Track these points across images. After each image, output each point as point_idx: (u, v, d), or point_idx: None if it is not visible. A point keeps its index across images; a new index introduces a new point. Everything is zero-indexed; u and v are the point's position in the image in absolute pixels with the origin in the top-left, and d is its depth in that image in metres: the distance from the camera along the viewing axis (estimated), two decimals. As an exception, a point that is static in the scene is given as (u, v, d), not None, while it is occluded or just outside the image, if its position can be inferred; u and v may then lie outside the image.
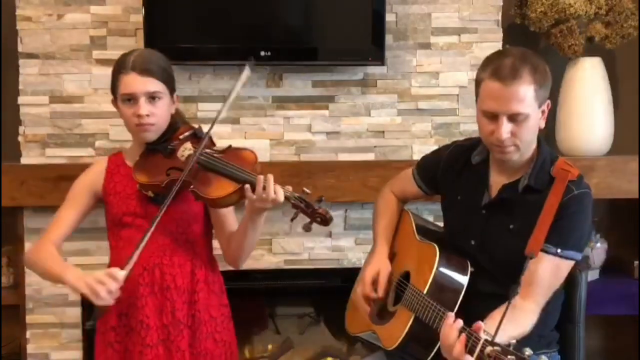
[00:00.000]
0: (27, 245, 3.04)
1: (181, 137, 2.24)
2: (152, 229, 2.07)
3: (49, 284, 3.04)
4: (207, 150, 2.17)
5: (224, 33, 3.02)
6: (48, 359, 3.09)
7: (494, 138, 2.02)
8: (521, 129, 2.01)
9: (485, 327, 1.79)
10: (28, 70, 3.03)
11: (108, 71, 3.00)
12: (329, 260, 3.14)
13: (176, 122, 2.29)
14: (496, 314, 1.88)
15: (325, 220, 2.08)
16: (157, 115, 2.19)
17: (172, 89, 2.25)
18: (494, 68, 2.00)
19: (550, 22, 3.13)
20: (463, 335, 1.80)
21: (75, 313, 3.08)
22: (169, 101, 2.24)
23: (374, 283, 2.26)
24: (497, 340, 1.74)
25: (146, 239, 2.06)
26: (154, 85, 2.18)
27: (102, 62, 3.04)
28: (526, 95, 1.98)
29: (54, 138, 3.05)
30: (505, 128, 2.00)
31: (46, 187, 2.97)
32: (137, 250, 2.05)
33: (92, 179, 2.31)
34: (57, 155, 3.05)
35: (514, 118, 2.00)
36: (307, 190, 2.09)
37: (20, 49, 3.03)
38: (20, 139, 3.05)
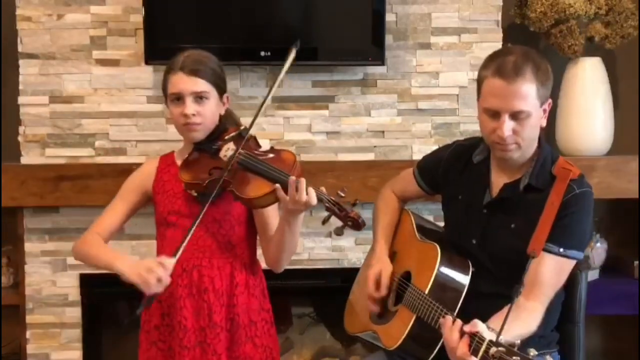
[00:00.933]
0: (27, 246, 3.05)
1: (226, 137, 2.25)
2: (198, 221, 2.08)
3: (49, 284, 3.06)
4: (246, 151, 2.17)
5: (224, 33, 3.03)
6: (48, 359, 3.09)
7: (496, 136, 2.02)
8: (523, 127, 2.01)
9: (492, 326, 1.79)
10: (28, 70, 3.03)
11: (108, 71, 3.05)
12: (329, 260, 3.14)
13: (225, 123, 2.30)
14: (500, 315, 1.87)
15: (357, 225, 2.05)
16: (203, 115, 2.20)
17: (221, 90, 2.25)
18: (496, 66, 2.00)
19: (550, 22, 3.13)
20: (466, 336, 1.80)
21: (75, 313, 3.08)
22: (217, 102, 2.24)
23: (377, 283, 2.26)
24: (504, 340, 1.74)
25: (193, 228, 2.07)
26: (201, 85, 2.20)
27: (102, 62, 3.05)
28: (528, 94, 1.98)
29: (54, 138, 3.05)
30: (507, 126, 2.00)
31: (46, 187, 2.97)
32: (185, 239, 2.06)
33: (143, 177, 2.33)
34: (57, 155, 3.05)
35: (516, 116, 2.00)
36: (342, 194, 2.07)
37: (20, 49, 3.03)
38: (20, 139, 3.05)
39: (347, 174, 3.02)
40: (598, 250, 3.29)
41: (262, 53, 2.99)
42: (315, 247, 3.13)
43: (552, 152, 2.13)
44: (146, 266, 2.03)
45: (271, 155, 2.19)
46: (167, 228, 2.23)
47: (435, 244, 2.16)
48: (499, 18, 3.14)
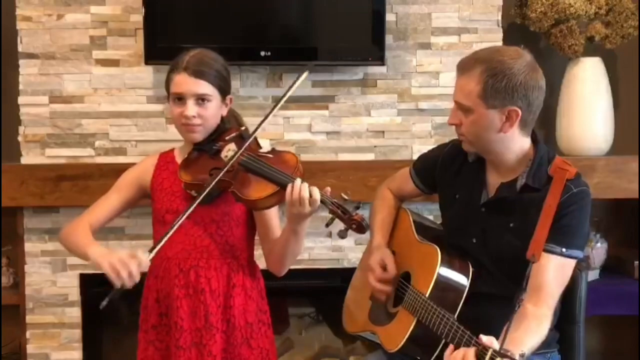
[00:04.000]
0: (27, 246, 3.05)
1: (227, 138, 2.24)
2: (184, 217, 2.06)
3: (49, 284, 3.06)
4: (249, 152, 2.16)
5: (223, 33, 3.03)
6: (48, 359, 3.09)
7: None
8: (467, 121, 2.06)
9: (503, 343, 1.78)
10: (28, 70, 3.03)
11: (108, 71, 3.05)
12: (329, 260, 3.14)
13: (226, 123, 2.29)
14: (512, 330, 1.83)
15: (361, 228, 2.03)
16: (204, 117, 2.19)
17: (224, 92, 2.24)
18: (460, 60, 2.10)
19: (550, 22, 3.14)
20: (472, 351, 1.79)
21: (75, 313, 3.08)
22: (219, 104, 2.23)
23: (382, 266, 2.24)
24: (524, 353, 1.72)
25: (176, 226, 2.06)
26: (204, 87, 2.18)
27: (102, 62, 3.05)
28: (471, 91, 2.02)
29: (54, 138, 3.05)
30: (453, 113, 2.10)
31: (46, 187, 2.97)
32: (164, 237, 2.05)
33: (141, 172, 2.32)
34: (57, 155, 3.05)
35: (460, 108, 2.06)
36: (345, 196, 2.05)
37: (20, 49, 3.03)
38: (20, 139, 3.05)
39: (347, 174, 3.02)
40: (598, 250, 3.29)
41: (262, 53, 2.99)
42: (315, 247, 3.13)
43: (549, 152, 2.12)
44: (120, 258, 1.99)
45: (273, 156, 2.17)
46: (164, 226, 2.21)
47: (435, 246, 2.15)
48: (499, 18, 3.14)
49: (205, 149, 2.23)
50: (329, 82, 3.12)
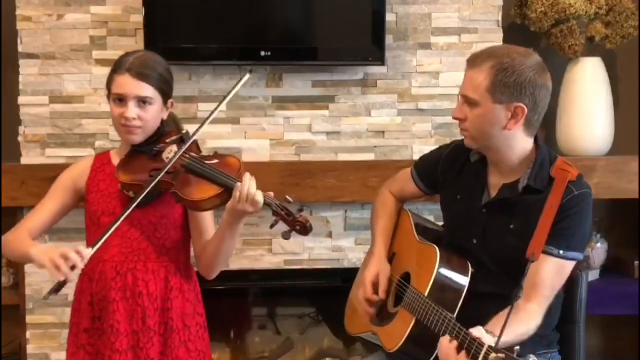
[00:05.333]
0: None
1: (168, 140, 2.23)
2: (124, 216, 2.06)
3: (49, 284, 3.03)
4: (191, 154, 2.17)
5: (224, 33, 3.03)
6: (48, 359, 3.09)
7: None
8: (473, 115, 2.06)
9: (490, 329, 1.80)
10: (28, 70, 3.03)
11: (108, 71, 3.03)
12: (329, 260, 3.14)
13: (166, 126, 2.28)
14: (499, 318, 1.87)
15: (305, 229, 2.05)
16: (144, 119, 2.18)
17: (166, 95, 2.23)
18: (471, 54, 2.11)
19: (550, 22, 3.14)
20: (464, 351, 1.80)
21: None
22: (160, 107, 2.22)
23: (374, 285, 2.26)
24: (503, 340, 1.73)
25: (118, 222, 2.05)
26: (146, 90, 2.17)
27: (102, 62, 3.04)
28: (480, 84, 2.03)
29: (54, 138, 3.05)
30: (458, 107, 2.11)
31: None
32: (106, 232, 2.04)
33: (75, 175, 2.30)
34: (57, 155, 3.05)
35: (467, 101, 2.07)
36: (290, 198, 2.07)
37: (20, 49, 3.03)
38: (20, 139, 3.05)
39: (347, 174, 3.02)
40: (598, 250, 3.29)
41: (262, 53, 2.99)
42: (315, 247, 3.13)
43: (551, 153, 2.13)
44: (61, 252, 1.98)
45: (216, 160, 2.18)
46: (99, 228, 2.18)
47: (434, 246, 2.15)
48: (499, 18, 3.14)
49: (144, 150, 2.22)
50: (329, 82, 3.12)
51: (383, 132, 3.14)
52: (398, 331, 2.12)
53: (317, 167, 3.01)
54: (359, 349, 3.35)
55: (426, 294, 2.07)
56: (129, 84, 2.16)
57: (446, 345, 1.85)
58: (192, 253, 2.32)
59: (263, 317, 3.49)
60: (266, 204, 2.06)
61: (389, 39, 3.08)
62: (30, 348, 3.08)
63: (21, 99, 3.04)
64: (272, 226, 2.09)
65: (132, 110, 2.16)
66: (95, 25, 3.04)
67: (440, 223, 2.39)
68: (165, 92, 2.23)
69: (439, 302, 2.02)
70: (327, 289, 3.20)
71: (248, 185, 2.04)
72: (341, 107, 3.13)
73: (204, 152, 2.26)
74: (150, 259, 2.20)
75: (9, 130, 3.12)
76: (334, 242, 3.12)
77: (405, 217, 2.40)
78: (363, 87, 3.13)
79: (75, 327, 2.24)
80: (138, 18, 2.99)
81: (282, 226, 2.07)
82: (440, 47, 3.13)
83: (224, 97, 2.25)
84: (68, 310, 3.03)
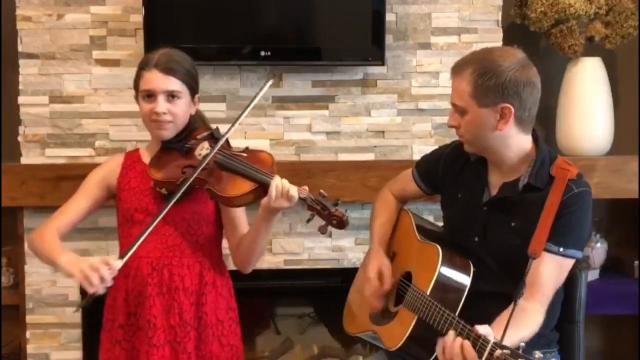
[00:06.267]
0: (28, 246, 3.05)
1: (199, 136, 2.25)
2: (157, 221, 2.07)
3: (49, 284, 3.06)
4: (225, 151, 2.18)
5: (224, 33, 3.03)
6: (48, 359, 3.09)
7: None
8: (464, 122, 2.10)
9: (494, 332, 1.80)
10: (28, 70, 3.03)
11: (108, 71, 3.05)
12: (329, 260, 3.14)
13: (194, 123, 2.30)
14: (503, 318, 1.88)
15: (342, 223, 2.07)
16: (174, 114, 2.21)
17: (193, 90, 2.26)
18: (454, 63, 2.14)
19: (550, 22, 3.14)
20: (468, 343, 1.80)
21: (75, 313, 3.08)
22: (189, 102, 2.25)
23: (380, 278, 2.26)
24: (507, 344, 1.74)
25: (148, 231, 2.06)
26: (174, 84, 2.20)
27: (102, 62, 3.05)
28: (463, 91, 2.06)
29: (54, 138, 3.05)
30: (451, 116, 2.13)
31: (46, 187, 2.97)
32: (137, 242, 2.05)
33: (106, 173, 2.32)
34: (57, 155, 3.05)
35: (456, 109, 2.10)
36: (324, 193, 2.09)
37: (20, 49, 3.02)
38: (20, 139, 3.05)
39: (347, 174, 3.02)
40: (598, 250, 3.29)
41: (262, 53, 2.99)
42: (315, 247, 3.13)
43: (550, 152, 2.14)
44: (90, 264, 1.99)
45: (248, 155, 2.19)
46: (133, 225, 2.22)
47: (436, 245, 2.16)
48: (499, 18, 3.14)
49: (175, 147, 2.24)
50: (329, 82, 3.12)
51: (383, 132, 3.14)
52: (399, 330, 2.12)
53: (317, 167, 3.01)
54: (359, 349, 3.35)
55: (428, 292, 2.07)
56: (157, 79, 2.19)
57: (451, 342, 1.85)
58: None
59: (263, 317, 3.49)
60: (301, 198, 2.07)
61: (389, 39, 3.08)
62: (30, 348, 3.08)
63: (21, 99, 3.04)
64: (308, 221, 2.11)
65: (162, 105, 2.19)
66: (95, 25, 3.04)
67: (440, 224, 2.40)
68: (193, 87, 2.26)
69: (440, 301, 2.02)
70: (327, 289, 3.20)
71: (282, 180, 2.06)
72: (341, 107, 3.13)
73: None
74: (185, 254, 2.22)
75: (9, 130, 3.12)
76: (334, 242, 3.12)
77: (406, 217, 2.40)
78: (363, 87, 3.13)
79: (109, 323, 2.25)
80: (138, 18, 2.99)
81: (318, 221, 2.09)
82: (440, 47, 3.13)
83: (252, 100, 2.26)
84: (68, 310, 3.07)
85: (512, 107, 2.04)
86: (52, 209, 3.00)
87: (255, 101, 2.25)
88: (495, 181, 2.16)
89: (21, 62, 3.03)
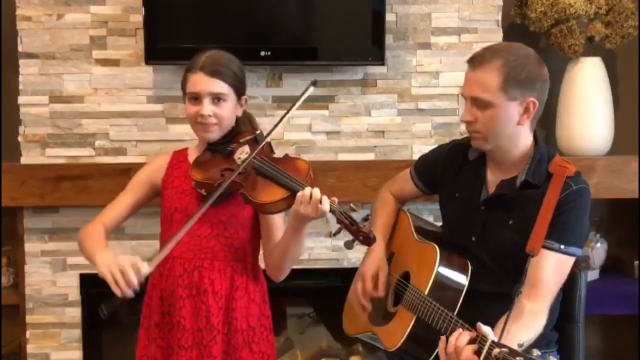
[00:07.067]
0: (27, 246, 3.05)
1: (241, 140, 2.25)
2: (191, 224, 2.07)
3: (49, 284, 3.06)
4: (262, 156, 2.18)
5: (224, 33, 3.03)
6: (48, 359, 3.09)
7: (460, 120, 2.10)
8: (485, 117, 2.05)
9: (497, 331, 1.79)
10: (28, 70, 3.03)
11: (108, 71, 3.05)
12: (329, 260, 3.15)
13: (241, 125, 2.30)
14: (504, 318, 1.87)
15: (368, 240, 2.03)
16: (219, 116, 2.20)
17: (239, 92, 2.25)
18: (472, 55, 2.09)
19: (550, 22, 3.13)
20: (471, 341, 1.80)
21: (75, 313, 3.08)
22: (235, 104, 2.24)
23: (374, 280, 2.26)
24: (512, 346, 1.74)
25: (180, 234, 2.06)
26: (220, 86, 2.19)
27: (102, 62, 3.05)
28: (490, 84, 2.02)
29: (54, 138, 3.06)
30: (468, 110, 2.07)
31: (46, 187, 2.97)
32: (167, 245, 2.05)
33: (153, 170, 2.33)
34: (57, 155, 3.05)
35: (476, 103, 2.05)
36: (354, 207, 2.06)
37: (20, 49, 3.03)
38: (20, 139, 3.05)
39: (347, 174, 3.02)
40: (598, 250, 3.29)
41: (262, 53, 2.99)
42: (315, 247, 3.13)
43: (548, 150, 2.14)
44: (120, 265, 1.99)
45: (286, 162, 2.19)
46: (172, 225, 2.22)
47: (434, 244, 2.16)
48: (499, 18, 3.14)
49: (218, 149, 2.24)
50: (329, 82, 3.12)
51: (383, 132, 3.14)
52: (398, 330, 2.12)
53: (317, 167, 2.99)
54: (359, 349, 3.35)
55: (426, 292, 2.07)
56: (203, 82, 2.19)
57: (454, 340, 1.85)
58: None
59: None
60: (331, 211, 2.05)
61: (389, 39, 3.08)
62: (30, 348, 3.08)
63: (21, 99, 3.04)
64: (335, 234, 2.12)
65: (207, 107, 2.18)
66: (95, 25, 3.04)
67: (439, 224, 2.40)
68: (239, 89, 2.25)
69: (439, 301, 2.02)
70: (327, 289, 3.20)
71: (312, 189, 2.04)
72: (341, 107, 3.13)
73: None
74: (218, 257, 2.21)
75: (9, 130, 3.12)
76: (334, 242, 3.12)
77: (404, 218, 2.40)
78: (363, 87, 3.13)
79: (146, 320, 2.26)
80: (138, 18, 2.99)
81: (345, 235, 2.06)
82: (440, 47, 3.14)
83: (292, 105, 2.28)
84: (68, 310, 3.07)
85: (537, 102, 2.04)
86: (52, 209, 3.04)
87: (297, 105, 2.26)
88: (494, 179, 2.16)
89: (21, 62, 3.03)
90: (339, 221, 2.05)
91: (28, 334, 3.08)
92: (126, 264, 1.99)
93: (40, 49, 3.03)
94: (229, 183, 2.10)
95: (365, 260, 2.37)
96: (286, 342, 3.45)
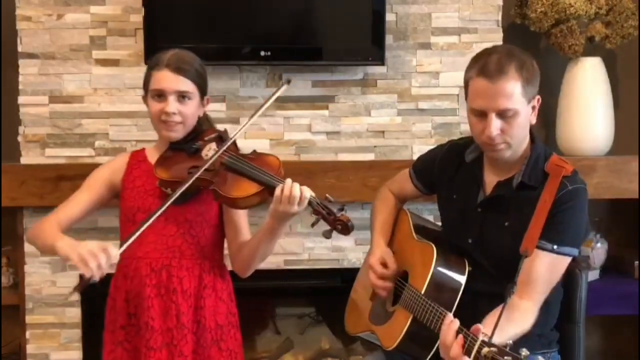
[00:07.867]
0: (27, 246, 3.04)
1: (206, 138, 2.25)
2: (158, 214, 2.06)
3: (49, 284, 3.06)
4: (231, 152, 2.18)
5: (224, 33, 3.03)
6: (48, 359, 3.09)
7: (485, 136, 2.02)
8: (511, 125, 2.01)
9: (484, 329, 1.79)
10: (28, 70, 3.03)
11: (108, 71, 3.05)
12: (329, 260, 3.14)
13: (202, 124, 2.30)
14: (493, 315, 1.87)
15: (347, 228, 2.03)
16: (184, 114, 2.20)
17: (203, 92, 2.25)
18: (480, 66, 2.01)
19: (551, 22, 3.13)
20: (460, 336, 1.80)
21: (75, 313, 3.08)
22: (198, 103, 2.24)
23: (383, 264, 2.25)
24: (498, 341, 1.73)
25: (149, 221, 2.05)
26: (185, 84, 2.19)
27: (102, 62, 3.05)
28: (513, 91, 1.98)
29: (54, 138, 3.05)
30: (495, 125, 2.00)
31: (46, 187, 2.97)
32: (136, 231, 2.04)
33: (111, 171, 2.31)
34: (57, 155, 3.05)
35: (503, 114, 2.00)
36: (330, 198, 2.07)
37: (20, 49, 3.03)
38: (20, 139, 3.05)
39: (347, 174, 3.02)
40: (598, 250, 3.29)
41: (262, 53, 2.99)
42: (315, 247, 3.13)
43: (545, 150, 2.13)
44: (90, 249, 1.95)
45: (255, 157, 2.19)
46: (134, 225, 2.18)
47: (432, 244, 2.15)
48: (499, 18, 3.14)
49: (183, 147, 2.23)
50: (329, 82, 3.12)
51: (383, 132, 3.14)
52: (395, 330, 2.12)
53: (317, 167, 3.01)
54: (359, 349, 3.35)
55: (423, 292, 2.07)
56: (168, 79, 2.18)
57: (447, 323, 1.85)
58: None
59: (263, 317, 3.49)
60: (308, 202, 2.05)
61: (389, 39, 3.08)
62: (30, 348, 3.08)
63: (21, 99, 3.04)
64: (313, 225, 2.09)
65: (172, 105, 2.18)
66: (95, 25, 3.04)
67: (440, 223, 2.40)
68: (202, 88, 2.25)
69: (436, 301, 2.02)
70: (327, 289, 3.20)
71: (291, 186, 2.03)
72: (341, 107, 3.13)
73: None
74: (185, 256, 2.21)
75: (9, 130, 3.12)
76: (334, 242, 3.12)
77: (404, 217, 2.40)
78: (363, 87, 3.13)
79: (111, 324, 2.24)
80: (138, 18, 2.99)
81: (323, 225, 2.06)
82: (440, 47, 3.13)
83: (263, 103, 2.28)
84: (68, 310, 3.07)
85: (539, 97, 2.05)
86: (52, 209, 3.01)
87: (268, 104, 2.26)
88: (490, 180, 2.15)
89: (21, 62, 3.03)
90: (315, 212, 2.06)
91: (28, 334, 3.08)
92: (96, 248, 1.96)
93: (40, 49, 3.03)
94: (196, 179, 2.09)
95: (368, 256, 2.37)
96: (286, 342, 3.45)
